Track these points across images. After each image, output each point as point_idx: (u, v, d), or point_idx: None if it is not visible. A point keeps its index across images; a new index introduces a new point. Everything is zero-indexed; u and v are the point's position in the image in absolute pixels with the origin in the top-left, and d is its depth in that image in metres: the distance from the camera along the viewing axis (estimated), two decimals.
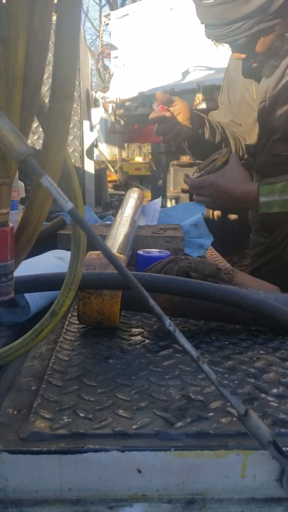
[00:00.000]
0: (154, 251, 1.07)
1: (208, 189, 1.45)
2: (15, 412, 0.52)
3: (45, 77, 0.46)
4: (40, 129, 2.01)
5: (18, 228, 0.52)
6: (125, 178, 6.18)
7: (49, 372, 0.60)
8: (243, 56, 1.44)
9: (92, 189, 2.37)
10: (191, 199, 1.82)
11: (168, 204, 5.12)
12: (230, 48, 1.48)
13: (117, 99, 5.58)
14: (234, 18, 1.31)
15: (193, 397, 0.55)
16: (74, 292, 0.56)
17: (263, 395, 0.56)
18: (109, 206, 2.40)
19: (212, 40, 1.44)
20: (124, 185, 5.81)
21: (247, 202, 1.42)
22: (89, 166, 2.31)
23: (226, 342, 0.72)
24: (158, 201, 1.70)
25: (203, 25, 1.41)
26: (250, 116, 1.65)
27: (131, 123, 5.95)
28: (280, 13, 1.32)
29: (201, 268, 0.82)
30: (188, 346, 0.42)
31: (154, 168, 5.95)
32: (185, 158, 5.43)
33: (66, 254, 0.95)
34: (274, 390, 0.57)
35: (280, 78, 1.47)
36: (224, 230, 3.74)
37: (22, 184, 1.41)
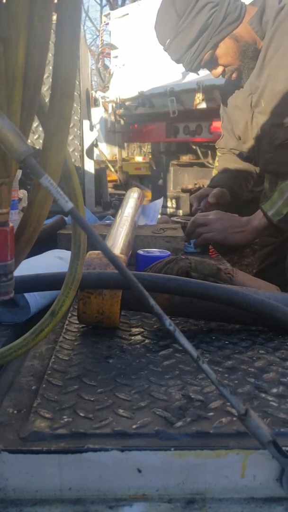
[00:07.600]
0: (154, 251, 1.07)
1: (213, 220, 1.46)
2: (15, 411, 0.52)
3: (45, 77, 0.46)
4: (40, 129, 2.01)
5: (18, 228, 0.52)
6: (125, 177, 6.18)
7: (49, 371, 0.60)
8: (220, 70, 1.61)
9: (92, 189, 2.37)
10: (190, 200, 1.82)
11: (169, 204, 5.11)
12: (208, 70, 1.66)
13: (117, 99, 5.58)
14: (188, 44, 1.54)
15: (193, 397, 0.55)
16: (74, 292, 0.56)
17: (263, 395, 0.56)
18: (109, 206, 2.39)
19: (192, 71, 1.64)
20: (124, 185, 5.81)
21: (257, 219, 1.44)
22: (89, 166, 2.30)
23: (226, 342, 0.72)
24: (160, 201, 1.70)
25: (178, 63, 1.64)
26: (242, 119, 1.74)
27: (131, 122, 5.95)
28: (227, 24, 1.52)
29: (201, 268, 0.82)
30: (188, 346, 0.42)
31: (154, 168, 5.95)
32: (185, 158, 5.43)
33: (66, 254, 0.95)
34: (274, 390, 0.57)
35: (261, 69, 1.57)
36: None
37: (26, 192, 1.40)
